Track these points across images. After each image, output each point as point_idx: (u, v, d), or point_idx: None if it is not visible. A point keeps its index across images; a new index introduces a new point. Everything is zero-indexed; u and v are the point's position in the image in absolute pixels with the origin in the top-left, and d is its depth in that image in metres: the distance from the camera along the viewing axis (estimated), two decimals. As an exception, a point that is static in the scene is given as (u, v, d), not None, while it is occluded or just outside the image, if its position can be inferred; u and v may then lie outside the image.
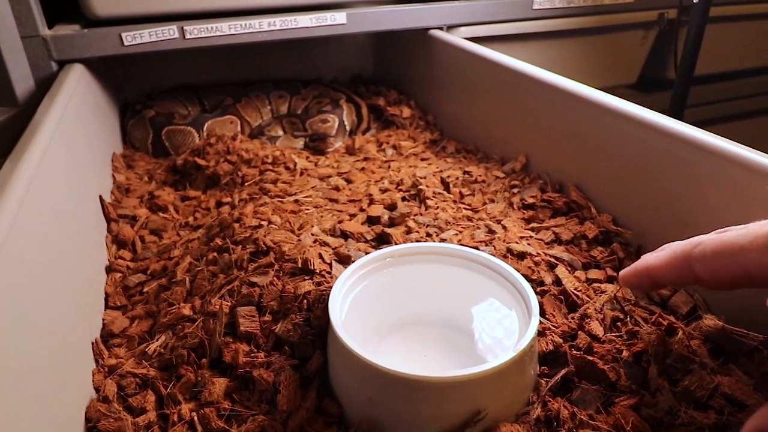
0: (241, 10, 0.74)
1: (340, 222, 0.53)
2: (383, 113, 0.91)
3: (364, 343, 0.36)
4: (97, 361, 0.41)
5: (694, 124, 0.47)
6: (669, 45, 1.13)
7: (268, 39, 0.75)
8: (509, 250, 0.49)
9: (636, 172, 0.51)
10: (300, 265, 0.44)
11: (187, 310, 0.43)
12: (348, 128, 0.88)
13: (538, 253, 0.49)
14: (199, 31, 0.71)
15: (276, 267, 0.45)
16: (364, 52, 1.08)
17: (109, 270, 0.52)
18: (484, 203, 0.62)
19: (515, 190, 0.63)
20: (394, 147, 0.79)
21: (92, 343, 0.42)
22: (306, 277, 0.43)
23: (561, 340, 0.39)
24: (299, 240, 0.49)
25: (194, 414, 0.36)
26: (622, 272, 0.35)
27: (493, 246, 0.49)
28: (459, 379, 0.30)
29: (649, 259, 0.34)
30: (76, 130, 0.57)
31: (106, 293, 0.49)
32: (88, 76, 0.69)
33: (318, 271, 0.44)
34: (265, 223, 0.52)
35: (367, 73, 1.10)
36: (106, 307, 0.48)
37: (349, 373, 0.34)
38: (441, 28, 0.87)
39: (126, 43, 0.68)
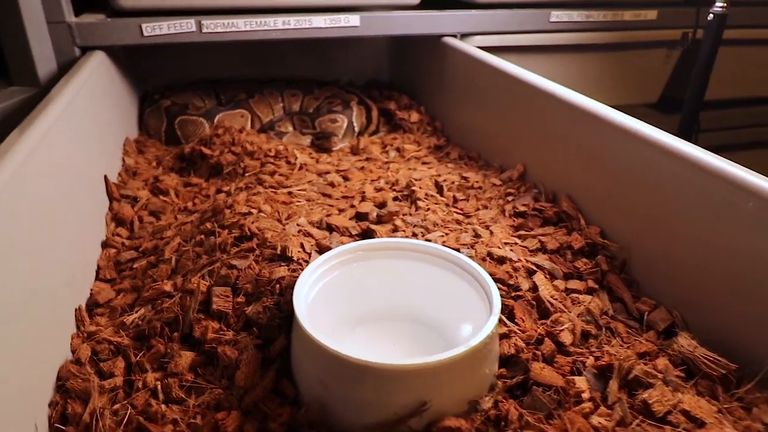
0: (257, 8, 0.77)
1: (328, 215, 0.54)
2: (393, 117, 0.92)
3: (333, 332, 0.37)
4: (78, 327, 0.43)
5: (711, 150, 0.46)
6: (693, 65, 1.12)
7: (282, 37, 0.77)
8: (489, 254, 0.49)
9: (628, 186, 0.51)
10: (279, 252, 0.45)
11: (168, 287, 0.45)
12: (357, 129, 0.89)
13: (519, 259, 0.49)
14: (215, 26, 0.73)
15: (257, 252, 0.46)
16: (381, 56, 1.10)
17: (105, 245, 0.54)
18: (478, 209, 0.62)
19: (510, 198, 0.63)
20: (398, 149, 0.80)
21: (76, 310, 0.44)
22: (282, 264, 0.44)
23: (524, 345, 0.39)
24: (284, 229, 0.50)
25: (158, 383, 0.37)
26: None
27: (475, 249, 0.50)
28: (403, 368, 0.31)
29: None
30: (87, 111, 0.60)
31: (98, 266, 0.51)
32: (108, 63, 0.73)
33: (296, 259, 0.45)
34: (255, 210, 0.54)
35: (383, 77, 1.11)
36: (97, 278, 0.50)
37: (304, 353, 0.34)
38: (455, 36, 0.88)
39: (146, 34, 0.71)
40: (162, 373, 0.38)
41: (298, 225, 0.51)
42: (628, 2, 0.97)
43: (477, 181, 0.68)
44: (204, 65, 0.99)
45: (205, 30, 0.73)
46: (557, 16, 0.91)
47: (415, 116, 0.89)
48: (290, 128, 0.87)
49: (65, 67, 0.68)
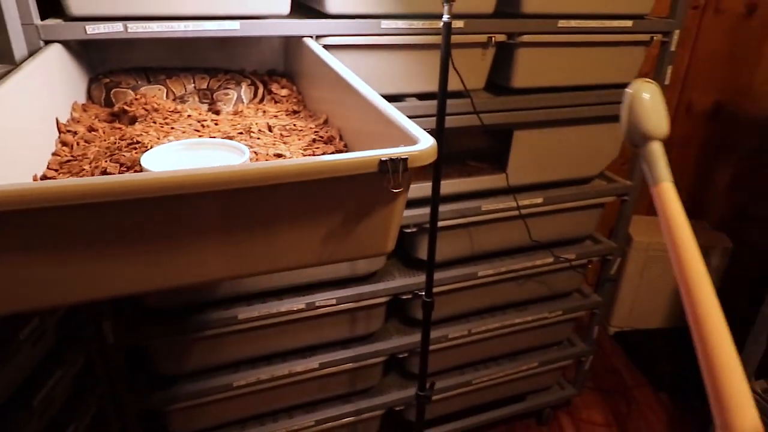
0: (167, 16, 1.14)
1: (190, 137, 0.91)
2: (272, 93, 1.30)
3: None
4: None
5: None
6: (508, 59, 1.52)
7: (185, 36, 1.15)
8: (275, 153, 0.87)
9: (360, 125, 0.89)
10: (149, 148, 0.83)
11: (86, 167, 0.82)
12: (245, 101, 1.27)
13: (291, 157, 0.87)
14: (136, 28, 1.11)
15: (138, 150, 0.83)
16: (277, 52, 1.48)
17: (53, 154, 0.91)
18: (294, 140, 1.00)
19: (315, 134, 1.01)
20: (264, 111, 1.18)
21: (33, 176, 0.80)
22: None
23: (265, 185, 0.77)
24: (158, 140, 0.87)
25: (74, 200, 0.74)
26: None
27: (268, 151, 0.87)
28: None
29: None
30: (43, 80, 0.96)
31: (48, 163, 0.87)
32: (62, 51, 1.10)
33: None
34: (145, 133, 0.91)
35: (279, 67, 1.49)
36: (48, 168, 0.86)
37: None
38: (312, 37, 1.26)
39: (88, 32, 1.08)
40: (77, 198, 0.75)
41: (168, 140, 0.88)
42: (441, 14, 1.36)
43: (302, 126, 1.06)
44: (141, 57, 1.36)
45: (129, 30, 1.11)
46: (386, 23, 1.30)
47: (284, 92, 1.27)
48: (195, 99, 1.24)
49: (33, 53, 1.05)
